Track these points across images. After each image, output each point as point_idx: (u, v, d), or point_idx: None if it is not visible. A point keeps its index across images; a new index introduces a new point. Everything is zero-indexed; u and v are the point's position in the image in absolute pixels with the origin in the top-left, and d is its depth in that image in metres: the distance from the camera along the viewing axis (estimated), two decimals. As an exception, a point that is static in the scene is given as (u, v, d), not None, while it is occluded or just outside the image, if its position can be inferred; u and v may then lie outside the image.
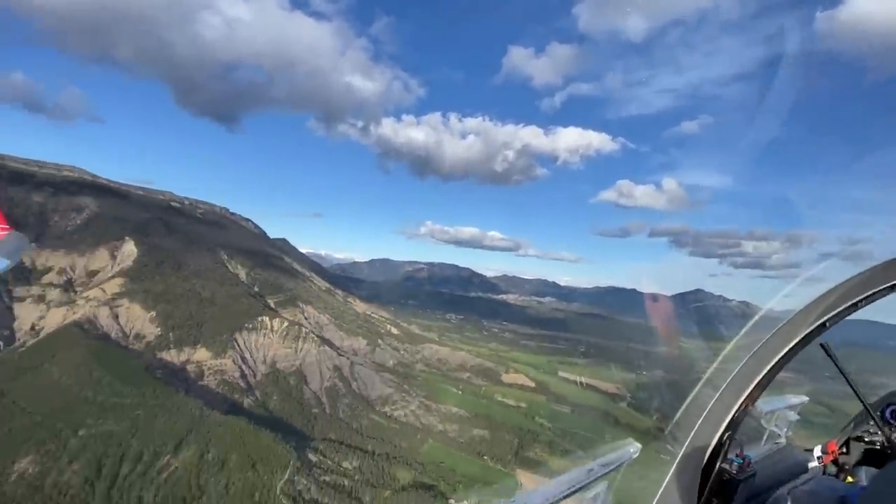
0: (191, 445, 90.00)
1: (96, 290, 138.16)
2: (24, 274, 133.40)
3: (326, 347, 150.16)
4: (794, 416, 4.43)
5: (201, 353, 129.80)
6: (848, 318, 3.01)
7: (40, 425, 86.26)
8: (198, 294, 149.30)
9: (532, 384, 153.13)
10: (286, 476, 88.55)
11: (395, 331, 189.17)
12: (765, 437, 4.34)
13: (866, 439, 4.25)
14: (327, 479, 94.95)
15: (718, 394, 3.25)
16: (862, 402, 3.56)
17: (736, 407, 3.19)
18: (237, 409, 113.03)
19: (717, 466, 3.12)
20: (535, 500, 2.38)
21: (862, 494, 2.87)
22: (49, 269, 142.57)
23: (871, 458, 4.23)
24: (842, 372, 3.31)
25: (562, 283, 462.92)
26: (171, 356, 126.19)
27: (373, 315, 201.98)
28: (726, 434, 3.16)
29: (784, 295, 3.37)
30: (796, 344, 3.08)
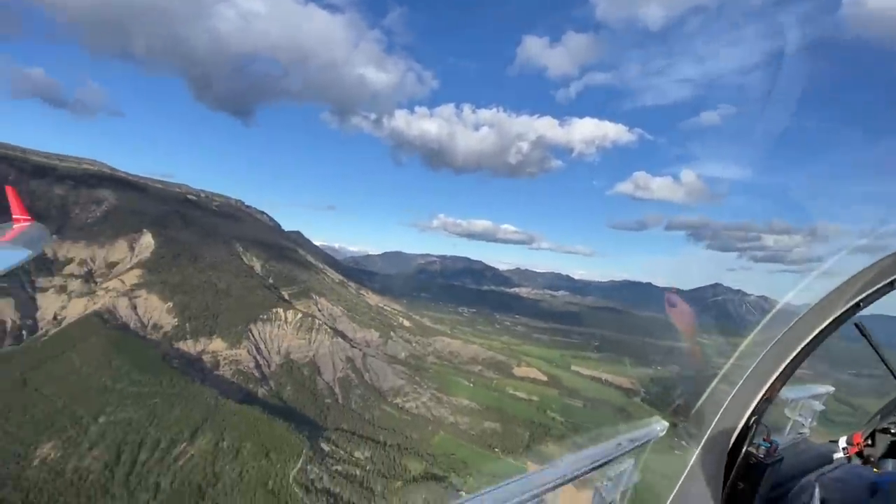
0: (206, 433, 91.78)
1: (115, 282, 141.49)
2: (46, 265, 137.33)
3: (339, 339, 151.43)
4: (819, 406, 4.42)
5: (217, 344, 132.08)
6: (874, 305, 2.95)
7: (61, 412, 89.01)
8: (213, 285, 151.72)
9: (544, 378, 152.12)
10: (299, 465, 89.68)
11: (407, 323, 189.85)
12: (788, 427, 4.37)
13: (893, 431, 4.09)
14: (339, 468, 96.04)
15: (744, 378, 3.18)
16: None
17: (763, 391, 3.13)
18: (252, 398, 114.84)
19: (744, 450, 3.08)
20: (564, 470, 2.47)
21: (893, 481, 2.82)
22: (70, 261, 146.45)
23: None
24: (877, 351, 3.20)
25: (576, 277, 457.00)
26: (188, 346, 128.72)
27: (385, 307, 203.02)
28: (752, 418, 3.11)
29: (802, 289, 3.26)
30: (830, 324, 2.99)
